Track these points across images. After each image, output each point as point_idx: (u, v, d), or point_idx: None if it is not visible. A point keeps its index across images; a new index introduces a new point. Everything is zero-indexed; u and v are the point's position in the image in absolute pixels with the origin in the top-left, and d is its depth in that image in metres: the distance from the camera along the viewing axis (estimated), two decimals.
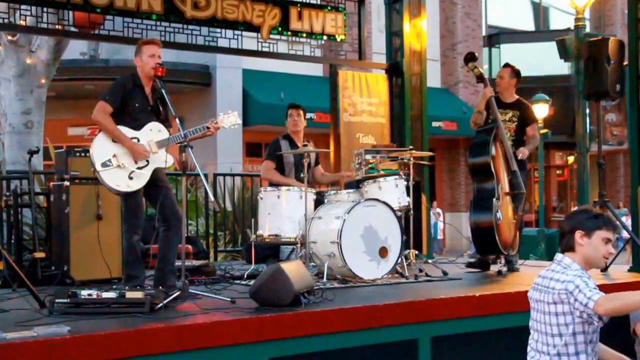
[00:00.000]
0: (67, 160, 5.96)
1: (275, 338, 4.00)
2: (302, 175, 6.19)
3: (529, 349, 3.46)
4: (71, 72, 15.62)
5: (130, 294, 4.16)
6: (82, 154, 5.85)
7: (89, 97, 13.53)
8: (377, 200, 5.84)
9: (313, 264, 5.81)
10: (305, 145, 6.17)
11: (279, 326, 4.03)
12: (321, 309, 4.26)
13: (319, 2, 8.56)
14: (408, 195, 6.23)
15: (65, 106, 16.42)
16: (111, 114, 4.92)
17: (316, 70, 17.72)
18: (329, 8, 8.48)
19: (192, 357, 3.74)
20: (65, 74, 13.87)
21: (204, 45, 8.02)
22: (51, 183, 6.34)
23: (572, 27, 10.84)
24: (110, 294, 4.13)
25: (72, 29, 7.47)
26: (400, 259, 5.85)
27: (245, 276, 5.86)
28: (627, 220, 8.83)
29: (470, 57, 6.60)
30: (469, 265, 6.52)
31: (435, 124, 18.99)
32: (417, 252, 6.68)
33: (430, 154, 7.53)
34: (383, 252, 5.72)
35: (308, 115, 8.46)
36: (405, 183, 6.24)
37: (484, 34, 23.58)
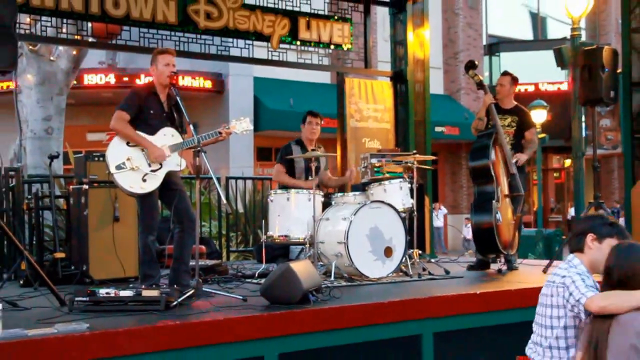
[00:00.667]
0: (85, 164, 6.02)
1: (285, 334, 4.07)
2: (310, 178, 6.28)
3: (529, 341, 3.52)
4: (90, 80, 15.91)
5: (147, 293, 4.21)
6: (100, 159, 5.88)
7: (107, 104, 13.73)
8: (382, 202, 5.90)
9: (321, 263, 5.88)
10: (314, 150, 6.24)
11: (288, 323, 4.09)
12: (329, 306, 4.33)
13: (326, 13, 8.64)
14: (412, 197, 6.29)
15: (85, 113, 16.52)
16: (129, 121, 4.95)
17: (324, 77, 17.65)
18: (336, 18, 8.59)
19: (205, 353, 3.79)
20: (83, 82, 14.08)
21: (217, 54, 8.08)
22: (71, 186, 6.39)
23: (569, 37, 10.94)
24: (128, 293, 4.19)
25: (91, 39, 7.56)
26: (404, 259, 5.90)
27: (256, 275, 5.93)
28: (621, 220, 8.97)
29: (471, 65, 6.69)
30: (470, 268, 6.58)
31: (438, 129, 18.99)
32: (420, 251, 6.75)
33: (433, 157, 7.53)
34: (388, 251, 5.77)
35: None
36: (409, 186, 6.29)
37: (484, 43, 23.73)
